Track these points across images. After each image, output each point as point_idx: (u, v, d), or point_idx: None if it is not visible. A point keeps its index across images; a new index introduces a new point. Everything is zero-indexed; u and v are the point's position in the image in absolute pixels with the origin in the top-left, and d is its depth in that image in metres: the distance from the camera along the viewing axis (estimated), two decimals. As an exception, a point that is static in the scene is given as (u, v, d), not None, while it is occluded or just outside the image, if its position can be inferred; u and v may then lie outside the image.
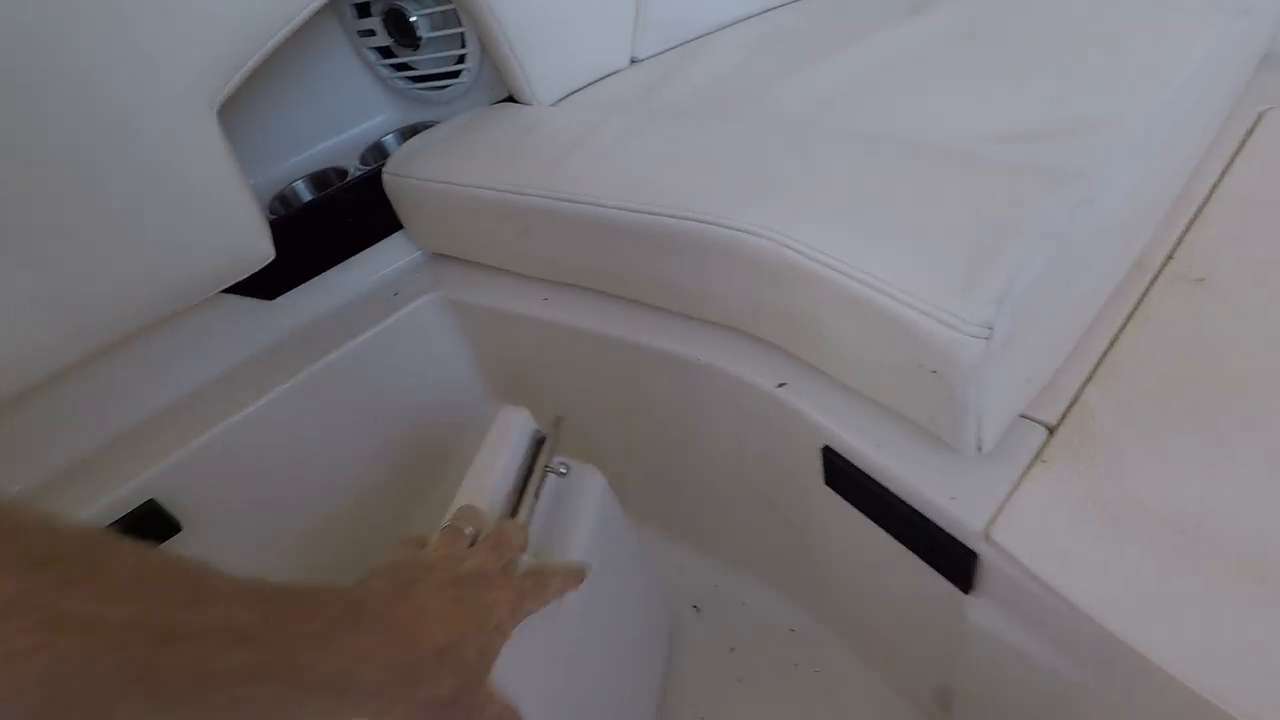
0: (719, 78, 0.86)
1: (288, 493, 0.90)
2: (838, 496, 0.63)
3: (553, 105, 0.92)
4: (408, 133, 1.05)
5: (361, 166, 1.01)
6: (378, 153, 1.04)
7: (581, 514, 0.62)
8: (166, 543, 0.81)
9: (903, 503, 0.55)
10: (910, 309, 0.48)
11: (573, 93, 0.93)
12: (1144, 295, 0.62)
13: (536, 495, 0.57)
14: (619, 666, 0.71)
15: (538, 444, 0.62)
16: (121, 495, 0.76)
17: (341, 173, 1.00)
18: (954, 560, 0.52)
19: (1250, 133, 0.78)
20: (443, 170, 0.85)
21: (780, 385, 0.64)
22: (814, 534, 0.72)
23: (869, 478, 0.57)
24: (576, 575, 0.53)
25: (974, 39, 0.78)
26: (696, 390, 0.73)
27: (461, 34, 0.96)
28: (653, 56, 0.97)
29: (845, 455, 0.59)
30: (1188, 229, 0.68)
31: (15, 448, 0.78)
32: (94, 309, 0.70)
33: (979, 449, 0.51)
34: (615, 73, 0.95)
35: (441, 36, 0.97)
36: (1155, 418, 0.52)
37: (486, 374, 1.03)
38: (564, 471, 0.61)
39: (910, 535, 0.57)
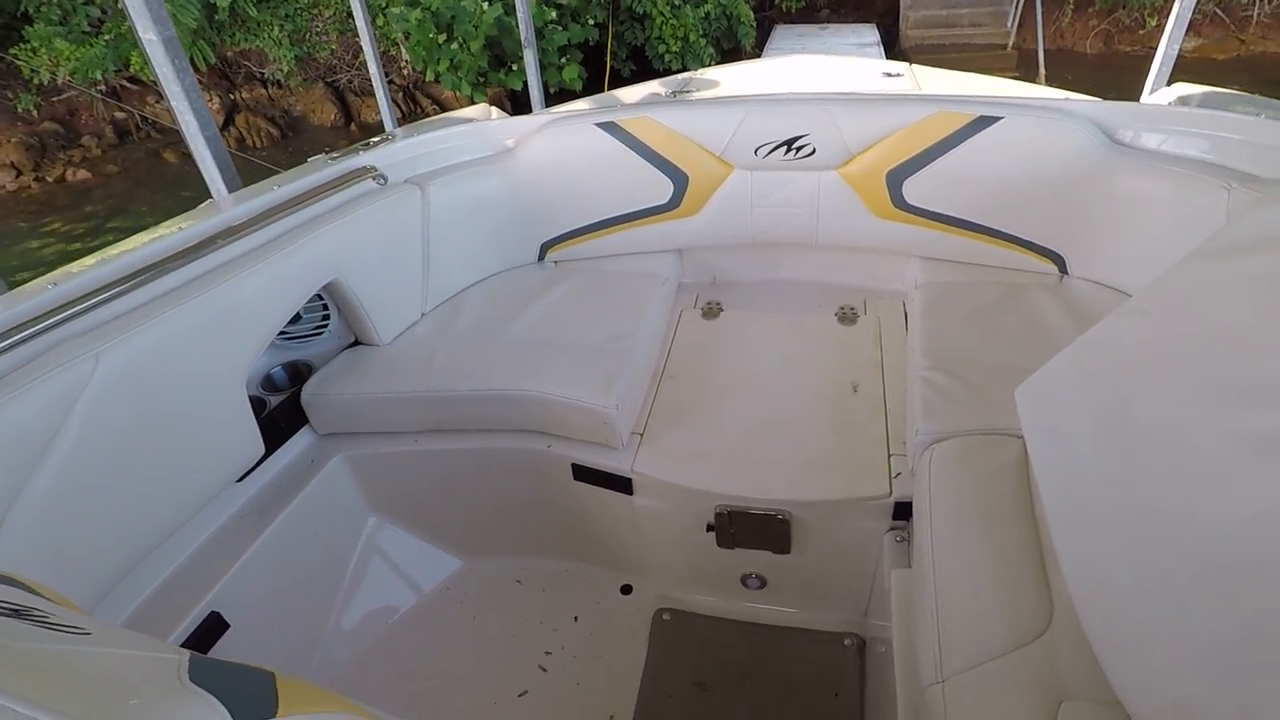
0: (477, 321, 1.84)
1: (269, 588, 1.52)
2: (579, 483, 1.63)
3: (389, 345, 1.78)
4: (288, 367, 1.77)
5: (263, 390, 1.69)
6: (269, 381, 1.73)
7: None
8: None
9: (602, 471, 1.58)
10: (590, 404, 1.53)
11: (398, 336, 1.80)
12: (659, 383, 1.78)
13: None
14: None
15: None
16: (196, 611, 1.34)
17: (259, 399, 1.66)
18: (625, 485, 1.57)
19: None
20: (351, 388, 1.64)
21: (548, 446, 1.62)
22: (569, 508, 1.70)
23: (589, 468, 1.59)
24: None
25: (583, 296, 1.90)
26: (508, 461, 1.66)
27: (324, 311, 1.76)
28: (432, 309, 1.90)
29: (580, 464, 1.60)
30: (665, 364, 1.87)
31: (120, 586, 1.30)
32: (178, 508, 1.33)
33: (622, 445, 1.57)
34: (416, 322, 1.86)
35: (311, 312, 1.75)
36: (670, 423, 1.65)
37: (368, 498, 1.76)
38: None
39: (607, 483, 1.59)
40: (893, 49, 8.10)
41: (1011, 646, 1.02)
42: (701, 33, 7.60)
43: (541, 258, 2.11)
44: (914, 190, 1.84)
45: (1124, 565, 0.89)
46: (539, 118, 2.03)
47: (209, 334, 1.34)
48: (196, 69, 7.08)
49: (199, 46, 7.22)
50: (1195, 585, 0.82)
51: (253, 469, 1.52)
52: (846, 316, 1.99)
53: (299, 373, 1.77)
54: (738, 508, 1.49)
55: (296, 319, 1.74)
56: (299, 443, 1.69)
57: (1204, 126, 1.68)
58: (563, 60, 7.25)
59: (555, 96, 7.21)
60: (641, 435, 1.64)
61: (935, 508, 1.24)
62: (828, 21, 9.10)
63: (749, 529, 1.52)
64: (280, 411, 1.65)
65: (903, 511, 1.45)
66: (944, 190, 1.83)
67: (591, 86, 7.54)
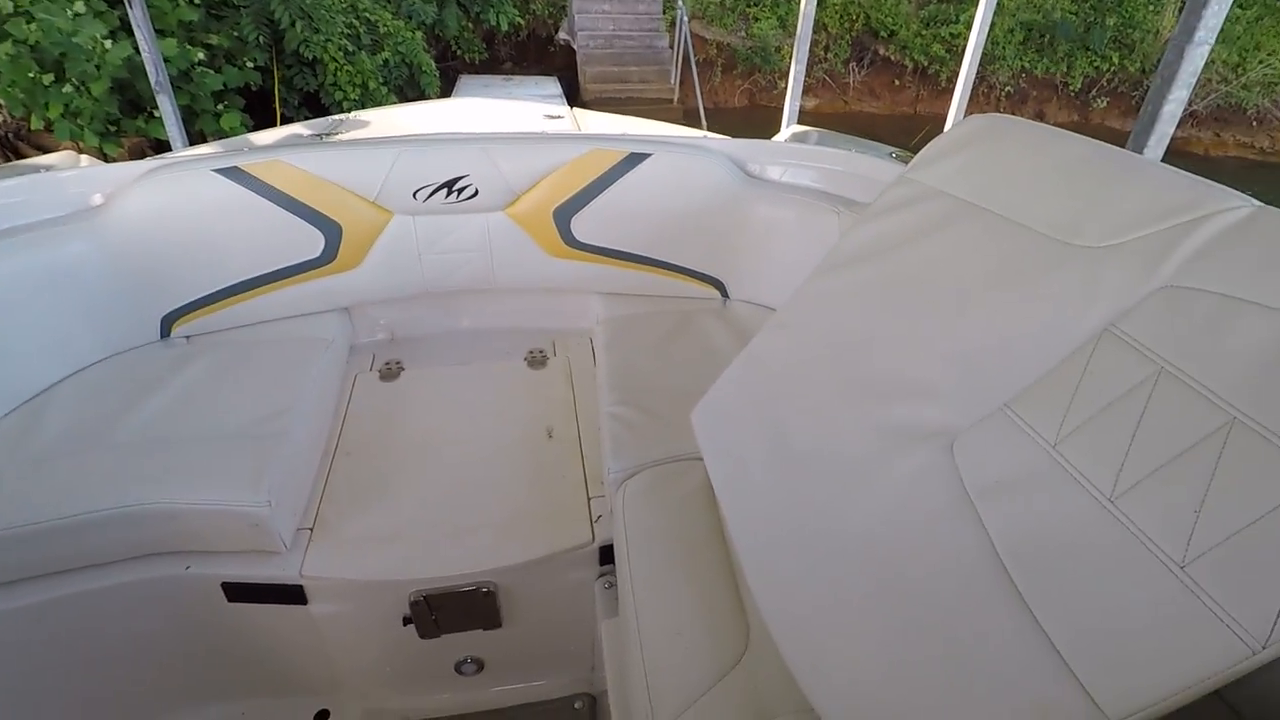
0: (72, 424, 1.41)
1: None
2: (237, 604, 1.32)
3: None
4: None
5: None
6: None
7: None
8: None
9: (264, 584, 1.29)
10: (235, 505, 1.23)
11: None
12: (331, 463, 1.53)
13: None
14: None
15: None
16: None
17: None
18: (297, 594, 1.29)
19: None
20: None
21: (188, 567, 1.29)
22: (230, 638, 1.37)
23: (247, 584, 1.29)
24: None
25: (223, 374, 1.58)
26: (135, 598, 1.29)
27: None
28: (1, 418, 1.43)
29: (234, 581, 1.29)
30: (338, 440, 1.63)
31: None
32: None
33: (286, 548, 1.30)
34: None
35: None
36: (348, 509, 1.42)
37: None
38: None
39: (273, 596, 1.30)
40: (575, 101, 8.58)
41: (716, 677, 1.00)
42: (381, 80, 7.29)
43: (166, 334, 1.73)
44: (581, 227, 1.85)
45: (802, 578, 0.91)
46: (138, 166, 1.66)
47: None
48: None
49: None
50: (860, 585, 0.85)
51: None
52: (536, 360, 1.93)
53: None
54: (436, 590, 1.32)
55: None
56: None
57: (814, 160, 1.95)
58: (220, 107, 6.41)
59: (216, 147, 6.33)
60: (312, 530, 1.38)
61: (632, 546, 1.20)
62: (511, 73, 9.38)
63: (452, 611, 1.35)
64: None
65: (609, 556, 1.40)
66: (609, 226, 1.87)
67: (261, 135, 6.78)
